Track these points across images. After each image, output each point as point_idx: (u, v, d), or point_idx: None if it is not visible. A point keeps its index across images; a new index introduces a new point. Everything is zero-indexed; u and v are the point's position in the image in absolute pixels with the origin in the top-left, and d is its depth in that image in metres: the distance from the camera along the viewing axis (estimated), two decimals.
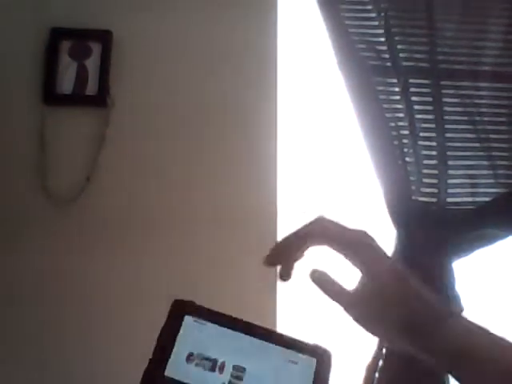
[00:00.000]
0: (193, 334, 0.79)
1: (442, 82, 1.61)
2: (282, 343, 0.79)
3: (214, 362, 0.76)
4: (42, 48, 1.80)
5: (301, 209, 1.80)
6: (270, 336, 0.80)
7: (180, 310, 0.80)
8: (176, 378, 0.75)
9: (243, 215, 1.72)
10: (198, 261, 1.70)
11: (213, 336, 0.79)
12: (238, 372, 0.76)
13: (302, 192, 1.81)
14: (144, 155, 1.78)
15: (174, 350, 0.77)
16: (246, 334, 0.80)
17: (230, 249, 1.71)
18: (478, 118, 1.60)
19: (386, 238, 1.59)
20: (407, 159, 1.59)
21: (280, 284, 1.68)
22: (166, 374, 0.75)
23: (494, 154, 1.59)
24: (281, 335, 0.81)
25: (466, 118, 1.60)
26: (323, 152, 1.82)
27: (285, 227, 1.73)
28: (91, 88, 1.79)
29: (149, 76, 1.82)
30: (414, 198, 1.58)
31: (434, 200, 1.58)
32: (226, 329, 0.80)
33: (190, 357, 0.76)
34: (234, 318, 0.81)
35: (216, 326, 0.80)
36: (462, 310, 1.51)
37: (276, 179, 1.75)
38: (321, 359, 0.78)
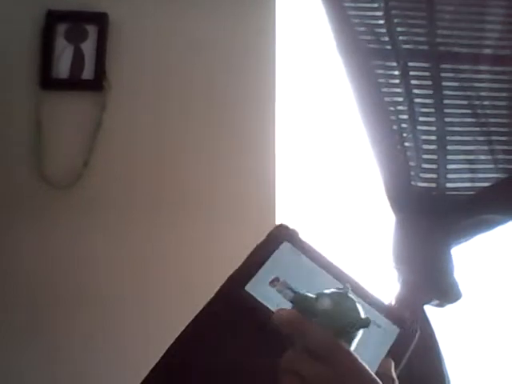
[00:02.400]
0: (286, 260, 0.76)
1: (442, 65, 1.59)
2: (370, 301, 0.76)
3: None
4: (38, 31, 1.78)
5: (299, 200, 1.79)
6: (360, 290, 0.75)
7: (281, 234, 0.78)
8: (254, 295, 0.73)
9: (241, 208, 1.71)
10: (194, 253, 1.69)
11: (304, 270, 0.76)
12: None
13: (301, 184, 1.79)
14: (141, 139, 1.77)
15: (262, 269, 0.75)
16: (338, 280, 0.75)
17: (228, 242, 1.70)
18: (477, 103, 1.57)
19: (385, 224, 1.58)
20: (406, 144, 1.57)
21: None
22: (247, 288, 0.74)
23: (493, 138, 1.57)
24: (371, 295, 0.77)
25: (465, 103, 1.58)
26: (321, 139, 1.81)
27: (283, 220, 1.71)
28: (88, 72, 1.78)
29: (145, 59, 1.80)
30: (413, 183, 1.56)
31: (433, 185, 1.56)
32: (319, 268, 0.76)
33: (274, 281, 0.74)
34: (331, 261, 0.78)
35: (311, 261, 0.77)
36: (460, 297, 1.51)
37: (274, 171, 1.74)
38: (404, 331, 0.74)
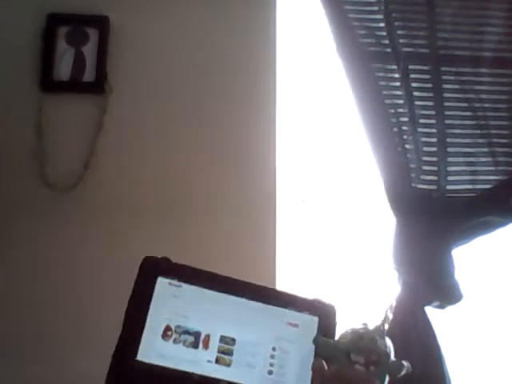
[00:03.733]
0: (168, 300, 0.66)
1: (442, 68, 1.60)
2: (278, 302, 0.68)
3: (197, 335, 0.65)
4: (39, 34, 1.78)
5: (300, 197, 1.80)
6: (263, 295, 0.68)
7: (152, 270, 0.69)
8: (150, 361, 0.63)
9: (242, 204, 1.72)
10: (196, 249, 1.69)
11: (192, 301, 0.67)
12: (227, 344, 0.65)
13: (302, 180, 1.80)
14: (142, 142, 1.77)
15: (147, 324, 0.64)
16: (234, 294, 0.67)
17: (230, 238, 1.70)
18: (477, 105, 1.58)
19: (386, 226, 1.58)
20: (407, 146, 1.58)
21: (279, 273, 1.67)
22: (139, 357, 0.64)
23: (494, 140, 1.58)
24: (276, 292, 0.70)
25: (465, 105, 1.58)
26: (322, 140, 1.81)
27: (284, 215, 1.72)
28: (89, 74, 1.77)
29: (146, 62, 1.80)
30: (413, 185, 1.57)
31: (433, 187, 1.57)
32: (207, 290, 0.67)
33: (166, 331, 0.65)
34: (217, 275, 0.69)
35: (195, 287, 0.68)
36: (461, 298, 1.51)
37: (275, 167, 1.74)
38: (324, 317, 0.68)
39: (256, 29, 1.81)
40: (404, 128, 1.58)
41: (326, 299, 0.69)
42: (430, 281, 1.51)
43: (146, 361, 0.63)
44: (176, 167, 1.75)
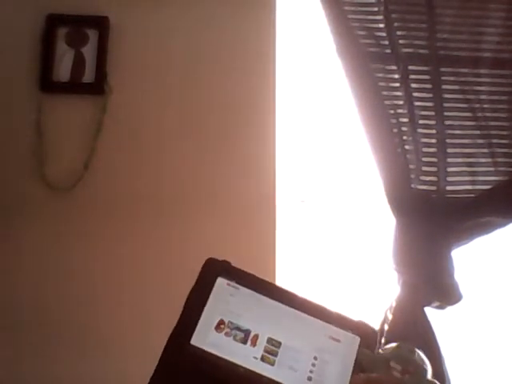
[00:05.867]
0: (225, 298, 0.72)
1: (442, 69, 1.60)
2: (323, 317, 0.72)
3: (247, 332, 0.70)
4: (38, 35, 1.78)
5: (299, 198, 1.80)
6: (310, 308, 0.72)
7: (213, 270, 0.73)
8: (203, 347, 0.68)
9: (242, 204, 1.72)
10: (196, 249, 1.69)
11: (247, 303, 0.72)
12: (273, 346, 0.69)
13: (301, 181, 1.80)
14: (141, 142, 1.77)
15: (203, 315, 0.70)
16: (284, 303, 0.72)
17: (230, 238, 1.70)
18: (477, 106, 1.58)
19: (386, 226, 1.58)
20: (406, 147, 1.58)
21: (279, 273, 1.68)
22: (192, 342, 0.69)
23: (493, 141, 1.58)
24: (323, 308, 0.73)
25: (465, 106, 1.59)
26: (322, 141, 1.81)
27: (284, 216, 1.72)
28: (88, 75, 1.78)
29: (146, 63, 1.80)
30: (413, 186, 1.57)
31: (433, 188, 1.57)
32: (262, 296, 0.72)
33: (220, 325, 0.70)
34: (271, 284, 0.74)
35: (251, 291, 0.72)
36: (460, 299, 1.52)
37: (275, 168, 1.74)
38: (365, 338, 0.72)
39: (256, 30, 1.81)
40: (404, 129, 1.58)
41: (370, 323, 0.72)
42: (429, 281, 1.52)
43: (199, 346, 0.69)
44: (175, 167, 1.75)
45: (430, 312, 1.53)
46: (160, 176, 1.75)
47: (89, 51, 1.78)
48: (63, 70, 1.77)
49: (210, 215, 1.72)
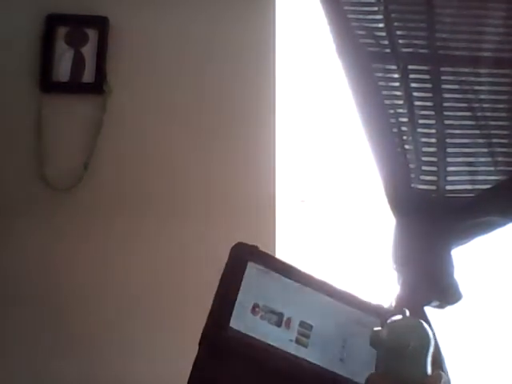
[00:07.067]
0: (256, 282, 0.72)
1: (442, 69, 1.59)
2: (349, 302, 0.74)
3: (280, 316, 0.71)
4: (38, 35, 1.79)
5: (299, 198, 1.80)
6: (335, 292, 0.74)
7: (242, 255, 0.74)
8: (242, 330, 0.69)
9: (242, 204, 1.72)
10: (196, 249, 1.70)
11: (277, 287, 0.73)
12: (305, 329, 0.71)
13: (301, 181, 1.80)
14: (141, 142, 1.77)
15: (238, 299, 0.70)
16: (314, 288, 0.73)
17: (230, 238, 1.70)
18: (477, 105, 1.58)
19: (386, 226, 1.58)
20: (406, 147, 1.57)
21: None
22: (231, 325, 0.69)
23: (493, 141, 1.58)
24: (349, 294, 0.75)
25: (465, 105, 1.58)
26: (321, 141, 1.81)
27: (284, 216, 1.72)
28: (88, 75, 1.78)
29: (145, 62, 1.81)
30: (413, 185, 1.57)
31: (433, 188, 1.57)
32: (290, 280, 0.73)
33: (255, 308, 0.70)
34: (298, 269, 0.75)
35: (280, 275, 0.74)
36: (460, 298, 1.51)
37: (274, 168, 1.74)
38: (383, 320, 0.73)
39: (256, 30, 1.82)
40: (403, 128, 1.58)
41: (387, 305, 0.74)
42: (429, 281, 1.51)
43: (239, 329, 0.69)
44: (175, 167, 1.76)
45: (430, 311, 1.53)
46: (160, 176, 1.76)
47: (88, 51, 1.78)
48: (63, 69, 1.78)
49: (209, 215, 1.72)
